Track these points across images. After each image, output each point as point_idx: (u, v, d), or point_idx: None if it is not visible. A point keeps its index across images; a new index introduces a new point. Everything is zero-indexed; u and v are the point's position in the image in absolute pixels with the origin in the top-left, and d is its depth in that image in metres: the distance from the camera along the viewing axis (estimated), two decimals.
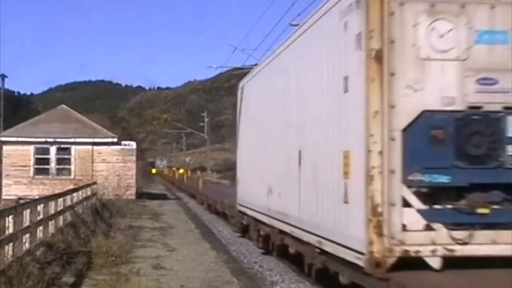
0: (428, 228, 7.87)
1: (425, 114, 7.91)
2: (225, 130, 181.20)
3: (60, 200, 17.80)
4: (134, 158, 35.89)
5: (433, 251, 7.80)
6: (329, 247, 9.54)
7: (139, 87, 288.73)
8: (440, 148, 7.89)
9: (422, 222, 7.87)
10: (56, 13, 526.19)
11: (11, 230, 11.38)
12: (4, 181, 34.32)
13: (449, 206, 7.94)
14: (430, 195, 7.95)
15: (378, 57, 7.88)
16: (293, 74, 12.09)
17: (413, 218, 7.85)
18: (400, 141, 7.87)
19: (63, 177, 34.23)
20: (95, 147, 34.98)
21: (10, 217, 11.46)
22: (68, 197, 19.76)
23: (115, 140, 35.62)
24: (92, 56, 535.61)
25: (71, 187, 25.26)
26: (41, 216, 14.27)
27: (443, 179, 7.89)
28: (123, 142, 36.56)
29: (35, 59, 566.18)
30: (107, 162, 34.98)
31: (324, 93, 9.88)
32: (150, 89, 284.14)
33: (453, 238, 7.83)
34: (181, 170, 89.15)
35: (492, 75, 7.97)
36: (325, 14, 9.82)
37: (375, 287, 7.97)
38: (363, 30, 8.05)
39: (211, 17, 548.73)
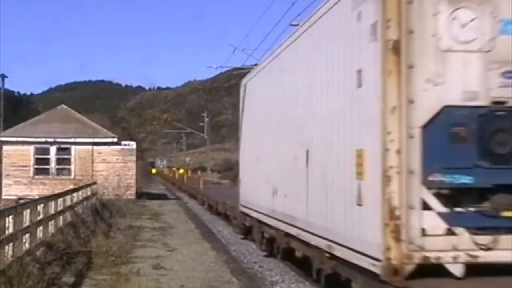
0: (450, 232, 7.35)
1: (446, 110, 7.36)
2: (225, 130, 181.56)
3: (60, 200, 17.78)
4: (134, 158, 35.79)
5: (455, 258, 7.27)
6: (340, 252, 9.04)
7: (139, 87, 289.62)
8: (462, 146, 7.35)
9: (443, 226, 7.35)
10: (56, 13, 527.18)
11: (11, 230, 11.37)
12: (4, 181, 34.22)
13: (472, 209, 7.41)
14: (452, 197, 7.42)
15: (396, 48, 7.33)
16: (300, 69, 11.60)
17: (433, 222, 7.33)
18: (419, 139, 7.33)
19: (63, 177, 34.14)
20: (95, 147, 34.88)
21: (10, 217, 11.46)
22: (68, 197, 19.73)
23: (115, 140, 35.52)
24: (92, 56, 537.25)
25: (71, 187, 25.23)
26: (41, 216, 14.26)
27: (465, 179, 7.35)
28: (123, 142, 36.44)
29: (35, 59, 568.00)
30: (107, 162, 34.86)
31: (335, 88, 9.37)
32: (150, 89, 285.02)
33: (476, 244, 7.31)
34: (181, 170, 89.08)
35: None
36: (336, 5, 9.29)
37: None
38: (379, 20, 7.52)
39: (211, 17, 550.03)
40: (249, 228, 18.51)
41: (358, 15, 8.25)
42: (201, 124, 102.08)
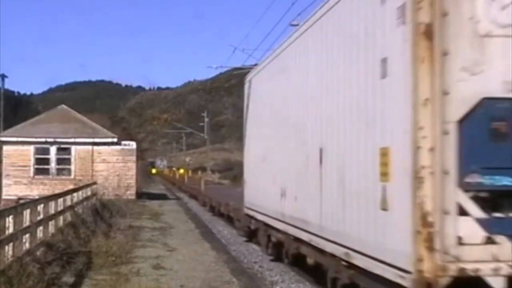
0: (489, 241, 6.54)
1: (485, 103, 6.55)
2: (225, 130, 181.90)
3: (60, 200, 17.81)
4: (134, 158, 35.97)
5: (496, 270, 6.47)
6: (359, 261, 8.23)
7: (139, 87, 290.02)
8: (502, 143, 6.53)
9: (481, 234, 6.53)
10: (56, 13, 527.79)
11: (11, 230, 11.43)
12: (4, 181, 34.20)
13: None
14: (491, 201, 6.61)
15: (428, 33, 6.51)
16: (313, 61, 10.76)
17: (470, 229, 6.50)
18: (454, 135, 6.53)
19: (63, 177, 34.10)
20: (95, 147, 34.85)
21: (10, 217, 11.52)
22: (68, 197, 19.76)
23: (115, 140, 35.74)
24: (92, 56, 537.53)
25: (71, 187, 25.21)
26: (41, 216, 14.31)
27: (507, 181, 6.54)
28: (123, 142, 36.67)
29: (35, 59, 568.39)
30: (107, 162, 34.87)
31: (353, 80, 8.56)
32: (150, 89, 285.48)
33: None
34: (181, 170, 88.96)
35: None
36: None
37: None
38: (408, 1, 6.74)
39: (211, 17, 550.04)
40: (254, 231, 17.82)
41: None
42: (201, 124, 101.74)
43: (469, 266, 6.46)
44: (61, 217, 17.38)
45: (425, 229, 6.44)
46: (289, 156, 12.51)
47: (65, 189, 22.60)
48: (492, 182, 6.56)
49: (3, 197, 33.12)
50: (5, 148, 34.37)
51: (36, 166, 34.23)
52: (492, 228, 6.54)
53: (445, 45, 6.59)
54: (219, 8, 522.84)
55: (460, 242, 6.51)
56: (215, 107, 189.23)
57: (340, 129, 9.19)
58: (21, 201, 18.55)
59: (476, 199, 6.58)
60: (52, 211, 15.82)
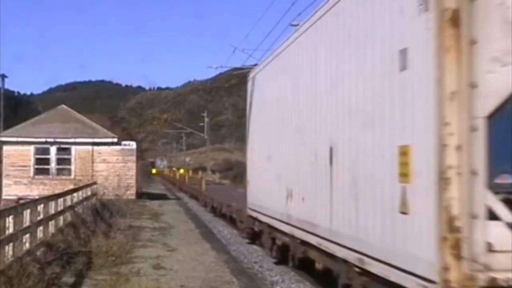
0: None
1: None
2: (225, 130, 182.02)
3: (60, 200, 17.77)
4: (134, 158, 35.94)
5: None
6: (374, 268, 7.67)
7: (139, 87, 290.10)
8: None
9: None
10: (56, 13, 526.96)
11: (11, 230, 11.37)
12: (4, 181, 34.15)
13: None
14: None
15: (455, 19, 5.92)
16: (322, 54, 10.15)
17: (501, 234, 5.90)
18: (483, 132, 5.94)
19: (63, 177, 34.06)
20: (95, 147, 34.81)
21: (10, 217, 11.46)
22: (68, 197, 19.71)
23: (115, 140, 35.79)
24: (92, 56, 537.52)
25: (71, 187, 25.17)
26: (41, 216, 14.26)
27: None
28: (123, 142, 36.65)
29: (35, 59, 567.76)
30: (107, 162, 35.01)
31: (367, 74, 7.97)
32: (150, 89, 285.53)
33: None
34: (182, 170, 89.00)
35: None
36: None
37: None
38: None
39: (211, 17, 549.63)
40: (258, 233, 17.22)
41: None
42: (201, 124, 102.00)
43: (500, 276, 5.87)
44: (61, 217, 17.34)
45: (452, 234, 5.87)
46: (296, 155, 11.96)
47: (65, 189, 22.55)
48: None
49: (3, 197, 33.05)
50: (5, 148, 34.30)
51: (36, 166, 34.17)
52: None
53: (473, 33, 5.99)
54: (219, 8, 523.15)
55: (490, 249, 5.93)
56: (215, 107, 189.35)
57: (352, 127, 8.64)
58: (21, 201, 18.47)
59: (507, 202, 6.02)
60: (52, 211, 15.80)
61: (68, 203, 19.38)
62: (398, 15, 6.98)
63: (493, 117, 5.99)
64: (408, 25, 6.71)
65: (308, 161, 10.87)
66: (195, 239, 19.33)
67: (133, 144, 36.79)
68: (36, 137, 34.17)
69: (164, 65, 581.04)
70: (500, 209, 5.96)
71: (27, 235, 12.52)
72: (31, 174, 34.23)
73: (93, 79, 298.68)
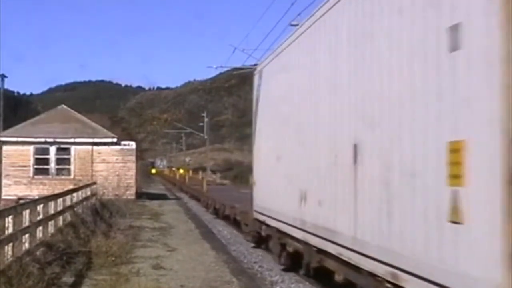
0: None
1: None
2: (225, 130, 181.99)
3: (60, 200, 17.73)
4: (134, 158, 35.52)
5: None
6: (412, 284, 6.63)
7: (139, 87, 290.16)
8: None
9: None
10: (56, 13, 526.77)
11: (11, 230, 11.33)
12: (4, 181, 34.09)
13: None
14: None
15: None
16: (344, 37, 9.01)
17: None
18: None
19: (63, 177, 33.97)
20: (95, 147, 34.70)
21: (10, 217, 11.42)
22: (67, 197, 19.67)
23: (115, 140, 35.33)
24: (92, 56, 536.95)
25: (71, 187, 25.14)
26: (41, 216, 14.22)
27: None
28: (123, 142, 36.16)
29: (35, 59, 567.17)
30: (107, 162, 34.67)
31: (404, 59, 6.91)
32: (150, 89, 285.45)
33: None
34: (182, 171, 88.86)
35: None
36: None
37: None
38: None
39: (211, 17, 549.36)
40: (265, 237, 16.21)
41: None
42: (201, 124, 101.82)
43: None
44: (60, 217, 17.32)
45: None
46: (311, 154, 10.94)
47: (65, 189, 22.52)
48: None
49: (3, 197, 32.97)
50: (4, 148, 34.21)
51: (35, 166, 34.08)
52: None
53: None
54: (219, 8, 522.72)
55: None
56: (215, 107, 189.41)
57: (383, 121, 7.54)
58: (21, 201, 18.44)
59: None
60: (51, 211, 15.76)
61: (68, 203, 19.35)
62: None
63: None
64: None
65: (326, 160, 9.85)
66: (195, 239, 19.29)
67: (132, 144, 36.56)
68: (36, 137, 34.10)
69: (164, 65, 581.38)
70: None
71: (27, 235, 12.48)
72: (31, 174, 34.14)
73: (93, 79, 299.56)
